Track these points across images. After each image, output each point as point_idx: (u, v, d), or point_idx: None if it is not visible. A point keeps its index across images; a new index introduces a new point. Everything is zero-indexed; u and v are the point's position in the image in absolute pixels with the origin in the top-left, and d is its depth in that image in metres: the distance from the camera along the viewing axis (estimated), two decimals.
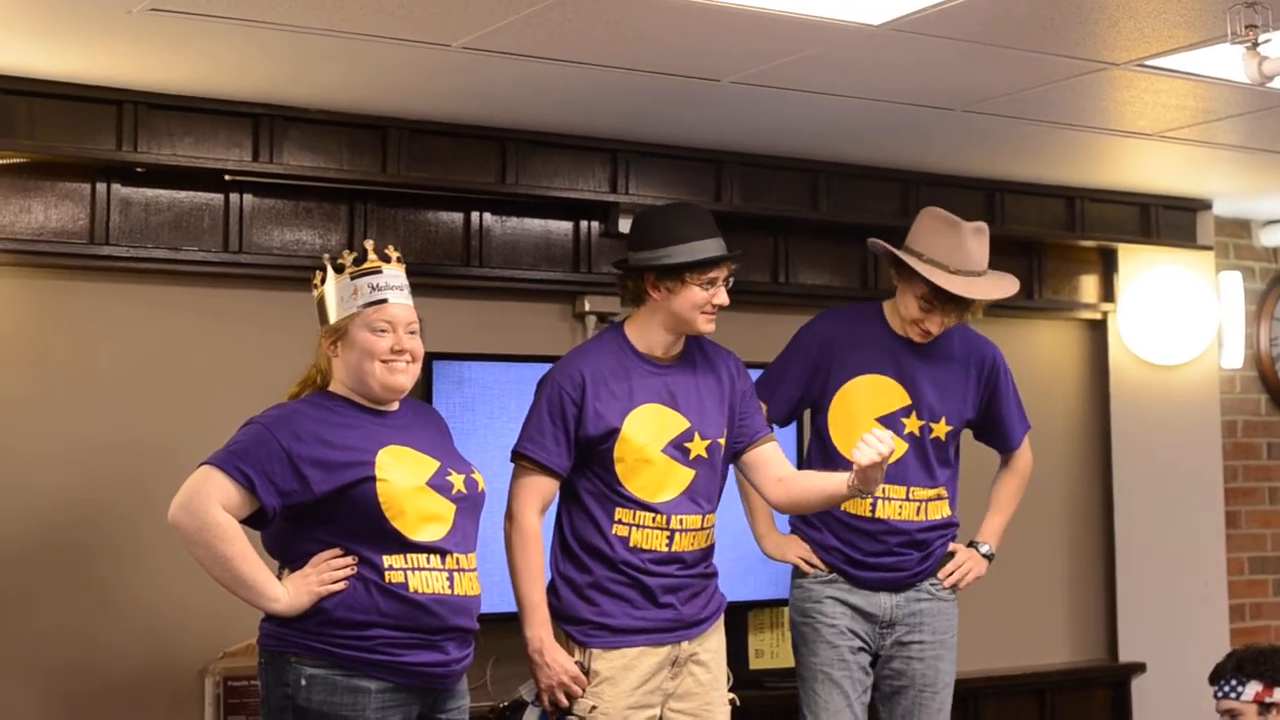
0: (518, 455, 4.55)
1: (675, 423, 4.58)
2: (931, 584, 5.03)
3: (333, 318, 4.16)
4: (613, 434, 4.50)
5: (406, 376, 4.16)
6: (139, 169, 5.30)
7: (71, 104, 5.14)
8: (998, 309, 7.00)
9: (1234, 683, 4.96)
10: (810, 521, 5.05)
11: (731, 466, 4.77)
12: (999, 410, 5.18)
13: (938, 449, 5.02)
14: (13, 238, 5.16)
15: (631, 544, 4.52)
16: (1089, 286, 7.35)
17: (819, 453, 5.05)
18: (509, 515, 4.53)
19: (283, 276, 5.52)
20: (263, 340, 5.42)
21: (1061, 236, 7.10)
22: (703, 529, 4.62)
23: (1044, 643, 7.26)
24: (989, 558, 5.19)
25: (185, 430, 5.25)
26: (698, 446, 4.59)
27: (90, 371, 5.34)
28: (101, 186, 5.30)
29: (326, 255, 4.25)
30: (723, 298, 4.55)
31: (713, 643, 4.68)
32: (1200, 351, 7.41)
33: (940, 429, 5.02)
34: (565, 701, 4.47)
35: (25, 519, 5.22)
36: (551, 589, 4.59)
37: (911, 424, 4.99)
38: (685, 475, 4.58)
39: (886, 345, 5.04)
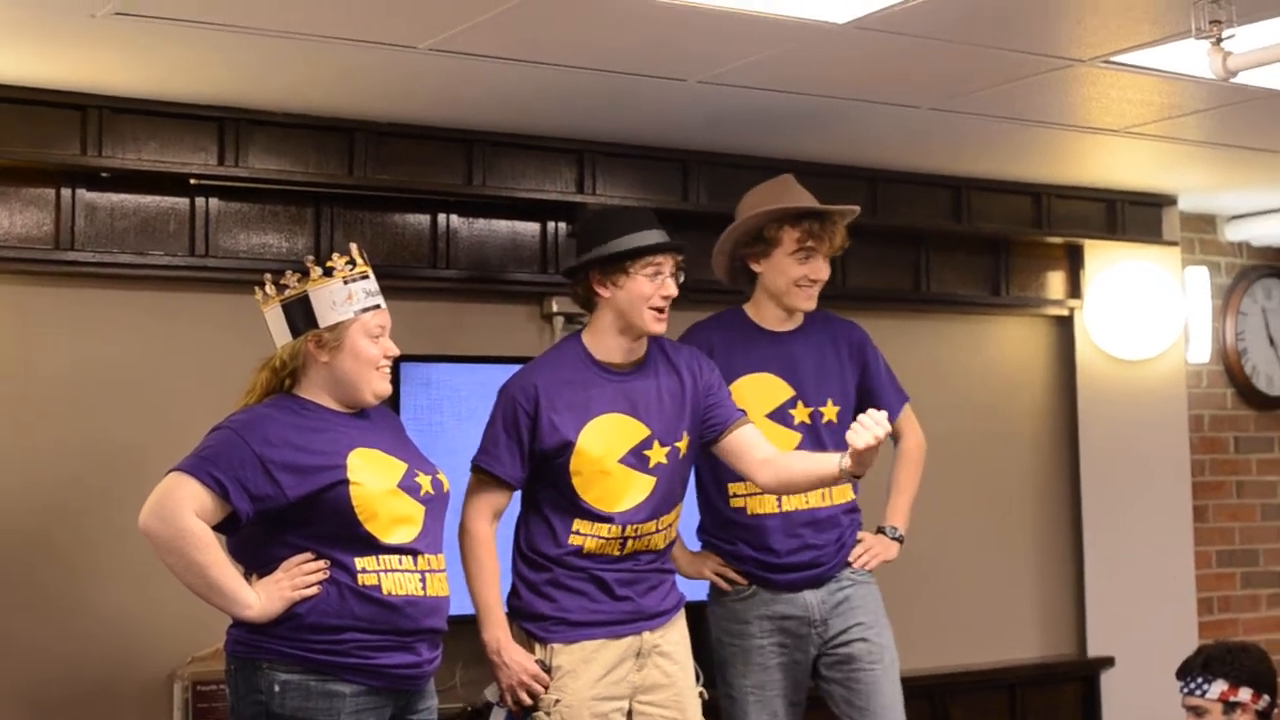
0: (473, 465, 4.58)
1: (635, 431, 4.57)
2: (851, 572, 5.03)
3: (324, 321, 4.11)
4: (567, 447, 4.50)
5: (388, 383, 4.20)
6: (104, 174, 5.28)
7: (35, 109, 5.11)
8: (963, 306, 7.05)
9: (1200, 680, 4.98)
10: (718, 534, 5.05)
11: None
12: (871, 384, 5.16)
13: (832, 434, 4.97)
14: None
15: (585, 551, 4.54)
16: (1055, 283, 7.36)
17: (710, 467, 5.00)
18: (461, 523, 4.55)
19: (249, 280, 5.41)
20: (229, 344, 5.38)
21: (1028, 233, 7.11)
22: (658, 531, 4.64)
23: (1013, 638, 7.27)
24: (899, 540, 5.17)
25: (152, 435, 5.23)
26: (657, 454, 4.59)
27: (56, 377, 5.32)
28: (66, 192, 5.27)
29: (309, 257, 4.21)
30: (670, 289, 4.54)
31: (675, 635, 4.70)
32: (1167, 346, 7.43)
33: (829, 411, 5.02)
34: (528, 700, 4.49)
35: None
36: (513, 591, 4.62)
37: (800, 413, 5.00)
38: (645, 484, 4.58)
39: (757, 343, 5.04)
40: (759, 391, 4.99)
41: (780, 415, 4.98)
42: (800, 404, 5.00)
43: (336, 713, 3.96)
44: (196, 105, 5.33)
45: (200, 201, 5.48)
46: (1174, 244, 7.47)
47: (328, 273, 4.13)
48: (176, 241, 5.45)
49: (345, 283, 4.12)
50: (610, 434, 4.55)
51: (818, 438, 4.98)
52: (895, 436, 5.26)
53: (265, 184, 5.53)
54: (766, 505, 4.94)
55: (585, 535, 4.54)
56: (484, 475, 4.55)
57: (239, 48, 4.71)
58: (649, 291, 4.52)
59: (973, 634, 7.11)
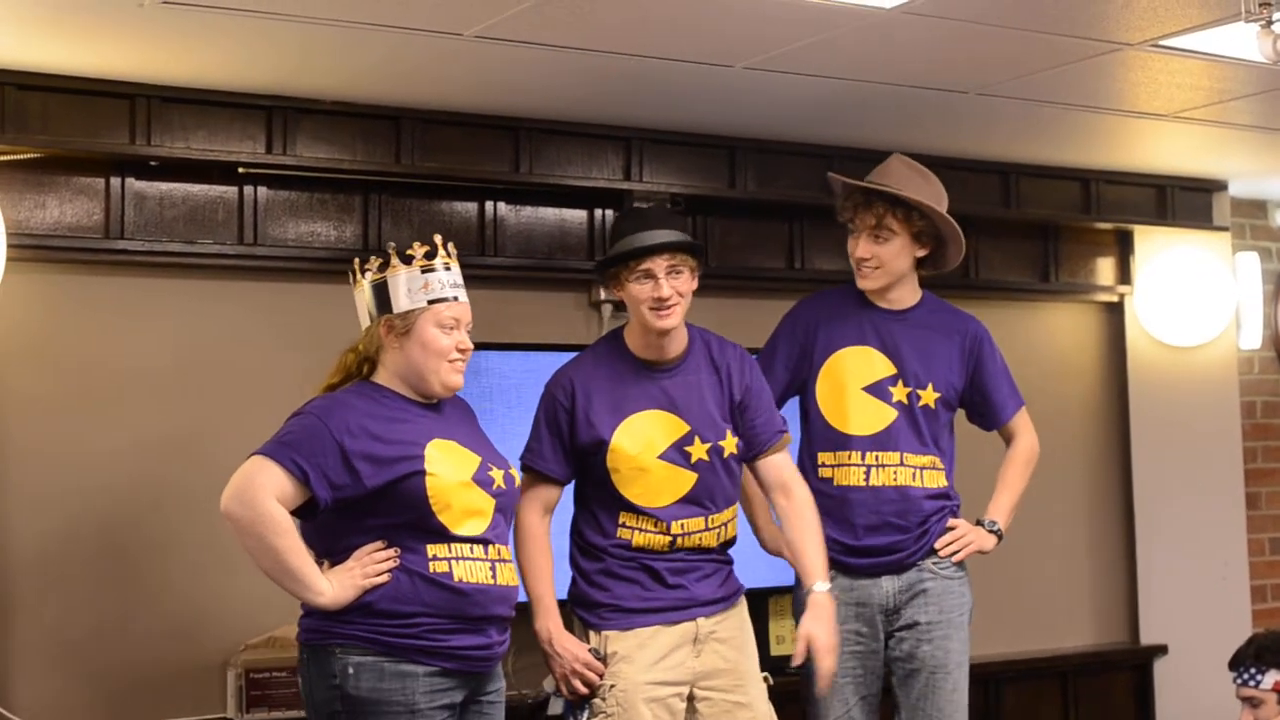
0: (521, 463, 4.59)
1: (673, 427, 4.57)
2: (934, 563, 4.96)
3: (399, 308, 4.11)
4: (602, 445, 4.52)
5: (462, 376, 4.19)
6: (153, 163, 5.31)
7: (85, 99, 5.15)
8: (1012, 293, 7.02)
9: (1253, 670, 4.94)
10: None
11: None
12: (984, 383, 5.11)
13: (929, 418, 4.97)
14: (28, 233, 5.16)
15: (634, 545, 4.55)
16: (1105, 269, 7.33)
17: (806, 430, 5.03)
18: (515, 519, 4.53)
19: (298, 269, 5.54)
20: (278, 332, 5.43)
21: (1077, 219, 7.08)
22: (709, 529, 4.62)
23: (1065, 626, 7.25)
24: (998, 534, 5.11)
25: (201, 423, 5.26)
26: (698, 450, 4.58)
27: (107, 366, 5.35)
28: (116, 181, 5.30)
29: (391, 245, 4.19)
30: (663, 291, 4.45)
31: (733, 622, 4.68)
32: (1218, 333, 7.40)
33: (928, 395, 4.98)
34: (582, 688, 4.50)
35: (42, 515, 5.24)
36: (572, 581, 4.64)
37: (899, 392, 4.95)
38: (686, 479, 4.57)
39: (867, 318, 5.01)
40: (860, 364, 4.96)
41: (878, 390, 4.94)
42: (900, 383, 4.95)
43: (410, 692, 3.98)
44: (244, 94, 5.35)
45: (249, 190, 5.51)
46: (1224, 229, 7.43)
47: (406, 261, 4.13)
48: (225, 230, 5.48)
49: (422, 272, 4.12)
50: (648, 431, 4.55)
51: (913, 418, 4.95)
52: (1007, 438, 5.24)
53: (313, 172, 5.55)
54: (853, 478, 4.91)
55: (632, 529, 4.56)
56: (530, 472, 4.58)
57: (286, 36, 4.72)
58: (642, 295, 4.47)
59: (1025, 622, 7.09)
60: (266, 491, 3.93)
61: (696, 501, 4.58)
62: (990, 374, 5.12)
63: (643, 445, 4.53)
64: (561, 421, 4.55)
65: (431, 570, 4.01)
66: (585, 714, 4.57)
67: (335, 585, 3.99)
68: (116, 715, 5.27)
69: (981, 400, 5.12)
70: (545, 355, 5.69)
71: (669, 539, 4.55)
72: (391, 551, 4.01)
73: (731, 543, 4.73)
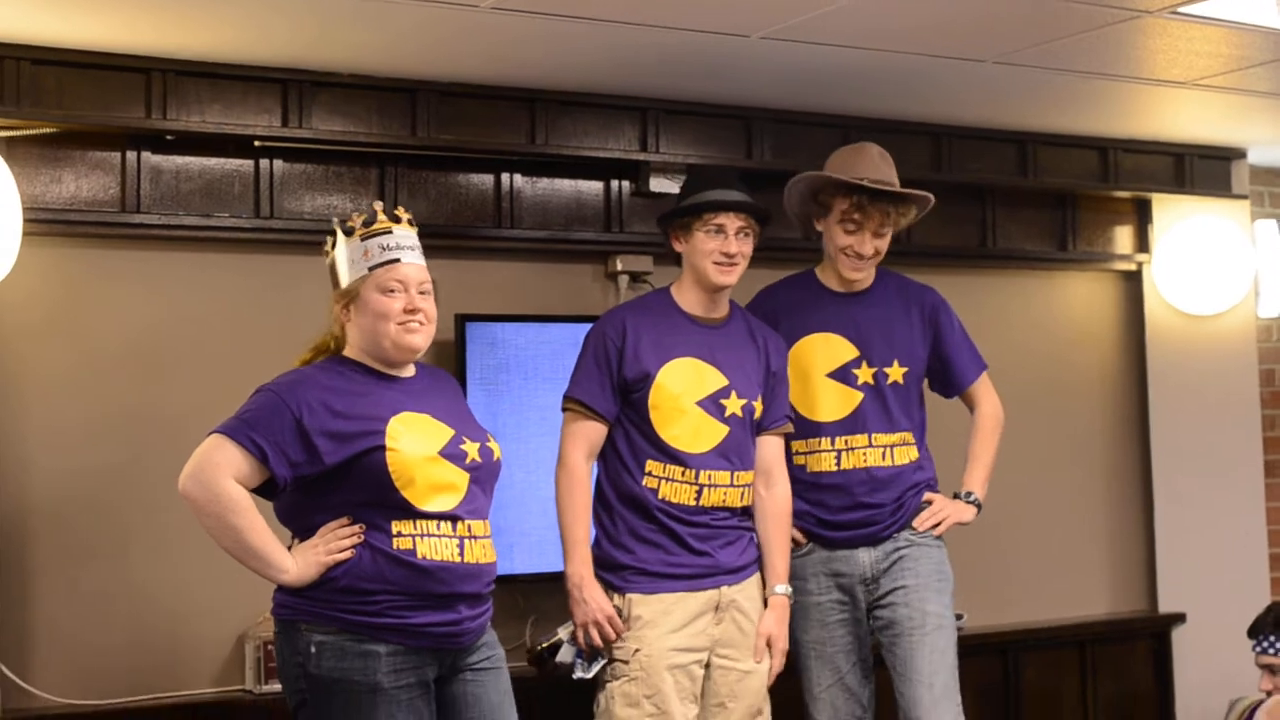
0: (565, 399, 4.71)
1: (713, 378, 4.69)
2: (911, 534, 5.02)
3: (344, 281, 4.13)
4: (647, 379, 4.63)
5: (421, 337, 4.12)
6: (168, 136, 5.30)
7: (100, 73, 5.13)
8: (1030, 262, 7.01)
9: (1272, 639, 4.96)
10: None
11: None
12: (945, 350, 5.17)
13: (898, 395, 5.04)
14: (45, 208, 5.17)
15: (660, 496, 4.62)
16: (1123, 238, 7.31)
17: None
18: (559, 459, 4.68)
19: (314, 242, 5.46)
20: (295, 305, 5.41)
21: (1095, 188, 7.05)
22: (734, 486, 4.70)
23: (1084, 595, 7.24)
24: (975, 505, 5.15)
25: (218, 396, 5.22)
26: (733, 404, 4.69)
27: (124, 340, 5.36)
28: (131, 155, 5.30)
29: (335, 219, 4.23)
30: (733, 246, 4.68)
31: (752, 590, 4.77)
32: (1236, 301, 7.37)
33: (895, 372, 5.04)
34: (598, 640, 4.55)
35: (60, 488, 5.25)
36: (595, 542, 4.69)
37: (864, 374, 5.02)
38: (719, 430, 4.67)
39: (826, 303, 5.09)
40: (821, 351, 5.03)
41: (842, 374, 5.02)
42: (865, 364, 5.01)
43: (372, 672, 3.95)
44: (260, 67, 5.34)
45: (264, 163, 5.51)
46: (1243, 197, 7.39)
47: (348, 233, 4.14)
48: (241, 203, 5.48)
49: (362, 240, 4.12)
50: (689, 376, 4.67)
51: (881, 397, 5.02)
52: (971, 405, 5.27)
53: (329, 145, 5.54)
54: (824, 463, 5.00)
55: (659, 479, 4.62)
56: (575, 407, 4.67)
57: (301, 9, 4.72)
58: (710, 247, 4.67)
59: (1044, 591, 7.09)
60: (223, 471, 3.92)
61: (725, 455, 4.68)
62: (950, 342, 5.19)
63: (684, 387, 4.66)
64: (611, 356, 4.66)
65: (395, 547, 3.97)
66: (593, 667, 4.60)
67: (299, 562, 3.98)
68: (135, 687, 5.27)
69: (942, 368, 5.20)
70: (561, 327, 5.71)
71: (695, 490, 4.63)
72: (356, 528, 3.99)
73: (750, 509, 4.79)
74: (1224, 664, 6.58)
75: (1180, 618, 7.27)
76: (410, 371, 4.20)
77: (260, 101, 5.39)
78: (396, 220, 4.17)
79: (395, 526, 3.98)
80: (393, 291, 4.08)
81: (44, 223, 5.15)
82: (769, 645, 4.78)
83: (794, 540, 4.99)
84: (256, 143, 5.44)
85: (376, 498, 3.98)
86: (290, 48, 5.19)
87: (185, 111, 5.27)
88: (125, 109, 5.19)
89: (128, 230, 5.32)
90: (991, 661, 6.66)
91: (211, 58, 5.23)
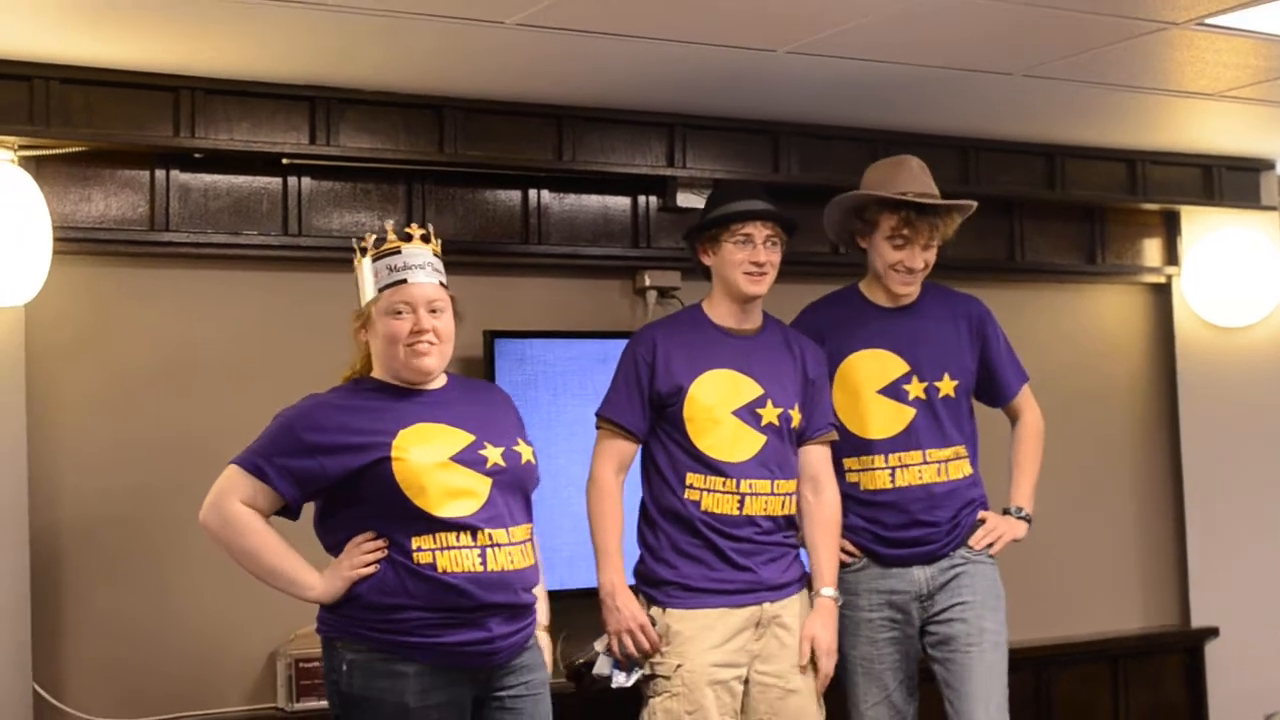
0: (597, 416, 4.74)
1: (748, 388, 4.70)
2: (967, 551, 5.00)
3: (361, 303, 4.14)
4: (680, 391, 4.65)
5: (431, 358, 4.07)
6: (197, 155, 5.32)
7: (128, 92, 5.15)
8: (1059, 275, 7.00)
9: None
10: None
11: None
12: (991, 360, 5.17)
13: (949, 409, 5.02)
14: (74, 226, 5.19)
15: (703, 508, 4.63)
16: (1152, 250, 7.30)
17: None
18: (589, 475, 4.71)
19: (342, 259, 5.47)
20: (323, 322, 5.42)
21: (1123, 200, 7.04)
22: (775, 495, 4.71)
23: (1116, 609, 7.22)
24: (1026, 520, 5.14)
25: (249, 414, 5.24)
26: (770, 413, 4.71)
27: (154, 358, 5.37)
28: (160, 173, 5.33)
29: (355, 239, 4.23)
30: (762, 255, 4.70)
31: (797, 607, 4.76)
32: (1266, 313, 7.34)
33: (946, 385, 5.02)
34: (631, 648, 4.56)
35: (91, 506, 5.27)
36: (639, 559, 4.73)
37: (915, 389, 4.99)
38: (756, 440, 4.68)
39: (872, 319, 5.07)
40: (871, 367, 5.01)
41: (893, 391, 4.98)
42: (915, 379, 4.99)
43: (400, 692, 3.92)
44: (287, 85, 5.35)
45: (293, 181, 5.52)
46: (1273, 209, 7.37)
47: (364, 253, 4.14)
48: (270, 221, 5.49)
49: (374, 261, 4.11)
50: (723, 387, 4.69)
51: (933, 412, 5.00)
52: (1014, 416, 5.27)
53: (357, 162, 5.55)
54: (879, 481, 4.96)
55: (700, 490, 4.63)
56: (606, 424, 4.71)
57: (328, 27, 4.72)
58: (739, 257, 4.69)
59: (1075, 605, 7.07)
60: (231, 497, 3.98)
61: (765, 464, 4.69)
62: (995, 352, 5.19)
63: (717, 398, 4.67)
64: (642, 374, 4.68)
65: (416, 561, 3.95)
66: (633, 675, 4.60)
67: (325, 578, 3.99)
68: (166, 706, 5.29)
69: (989, 378, 5.19)
70: (589, 343, 5.72)
71: (737, 499, 4.63)
72: (379, 543, 3.98)
73: (793, 520, 4.80)
74: (1258, 678, 6.56)
75: (1213, 632, 7.24)
76: (439, 383, 4.18)
77: (288, 119, 5.41)
78: (408, 238, 4.13)
79: (415, 542, 3.96)
80: (400, 313, 4.06)
81: (73, 241, 5.17)
82: (814, 648, 4.73)
83: (847, 553, 4.97)
84: (284, 160, 5.45)
85: (393, 510, 3.96)
86: (317, 65, 5.20)
87: (213, 130, 5.28)
88: (154, 128, 5.20)
89: (157, 249, 5.34)
90: (1024, 676, 6.63)
91: (239, 76, 5.25)
